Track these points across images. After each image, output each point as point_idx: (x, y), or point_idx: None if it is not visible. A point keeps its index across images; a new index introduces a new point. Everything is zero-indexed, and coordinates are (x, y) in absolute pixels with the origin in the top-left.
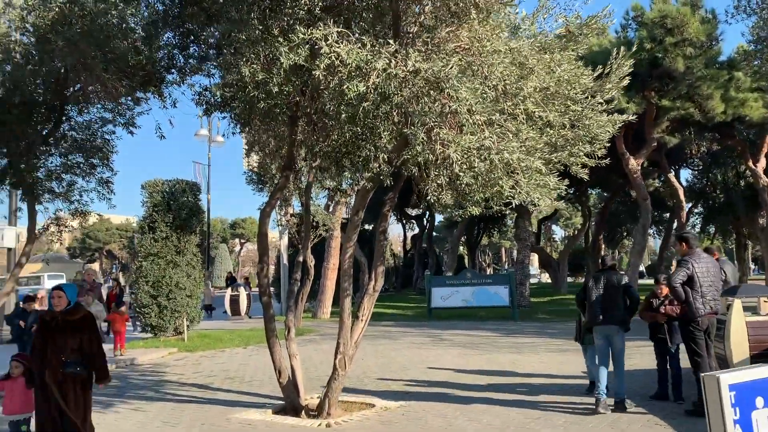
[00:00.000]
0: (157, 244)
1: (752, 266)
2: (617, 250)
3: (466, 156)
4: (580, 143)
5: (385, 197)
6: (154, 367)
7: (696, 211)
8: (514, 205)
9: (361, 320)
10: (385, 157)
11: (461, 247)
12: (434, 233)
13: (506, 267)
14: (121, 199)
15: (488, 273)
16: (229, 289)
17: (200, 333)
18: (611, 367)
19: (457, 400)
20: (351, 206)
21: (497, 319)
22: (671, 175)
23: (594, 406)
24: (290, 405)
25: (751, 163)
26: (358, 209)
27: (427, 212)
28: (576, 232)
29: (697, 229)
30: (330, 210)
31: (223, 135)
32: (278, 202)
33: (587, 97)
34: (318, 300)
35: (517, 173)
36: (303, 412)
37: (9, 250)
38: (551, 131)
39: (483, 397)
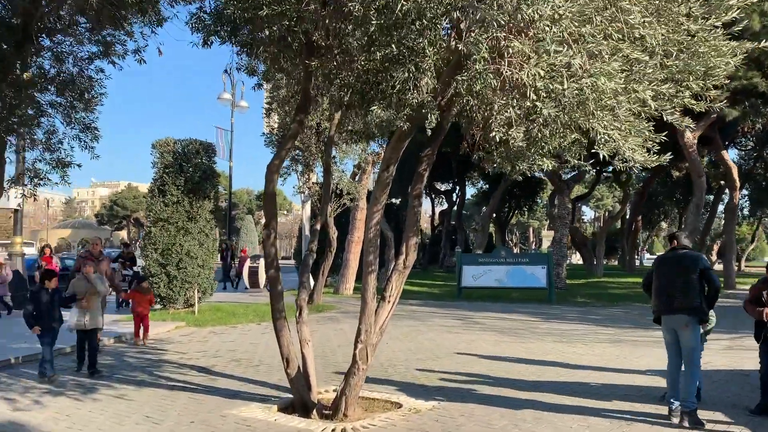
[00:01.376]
0: (167, 209)
1: None
2: (654, 233)
3: (547, 78)
4: (691, 77)
5: (421, 153)
6: (156, 344)
7: (743, 193)
8: (602, 156)
9: (388, 302)
10: (429, 84)
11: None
12: (463, 211)
13: (534, 247)
14: (147, 167)
15: (515, 252)
16: (248, 260)
17: (213, 306)
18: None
19: (500, 402)
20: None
21: (532, 302)
22: (724, 153)
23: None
24: (299, 401)
25: None
26: (389, 163)
27: (458, 187)
28: (606, 213)
29: (746, 212)
30: (356, 178)
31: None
32: (288, 154)
33: (701, 17)
34: (341, 275)
35: (614, 108)
36: (314, 410)
37: (15, 211)
38: (650, 60)
39: (532, 400)
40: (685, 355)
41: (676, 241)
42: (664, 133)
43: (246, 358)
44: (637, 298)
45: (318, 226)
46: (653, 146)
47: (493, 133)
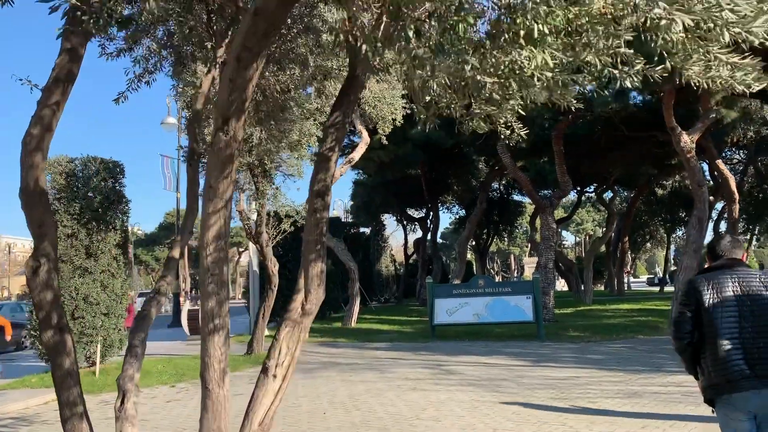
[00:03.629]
0: (59, 245)
1: None
2: (637, 255)
3: None
4: None
5: (332, 116)
6: (9, 426)
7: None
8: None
9: (274, 376)
10: None
11: (469, 254)
12: (440, 239)
13: (516, 275)
14: None
15: (496, 281)
16: (188, 302)
17: None
18: None
19: None
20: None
21: (519, 339)
22: (719, 162)
23: None
24: None
25: None
26: (226, 116)
27: (431, 212)
28: (588, 237)
29: (741, 228)
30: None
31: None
32: (58, 117)
33: None
34: None
35: None
36: None
37: None
38: None
39: None
40: None
41: (724, 253)
42: None
43: None
44: (638, 328)
45: (176, 253)
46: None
47: None
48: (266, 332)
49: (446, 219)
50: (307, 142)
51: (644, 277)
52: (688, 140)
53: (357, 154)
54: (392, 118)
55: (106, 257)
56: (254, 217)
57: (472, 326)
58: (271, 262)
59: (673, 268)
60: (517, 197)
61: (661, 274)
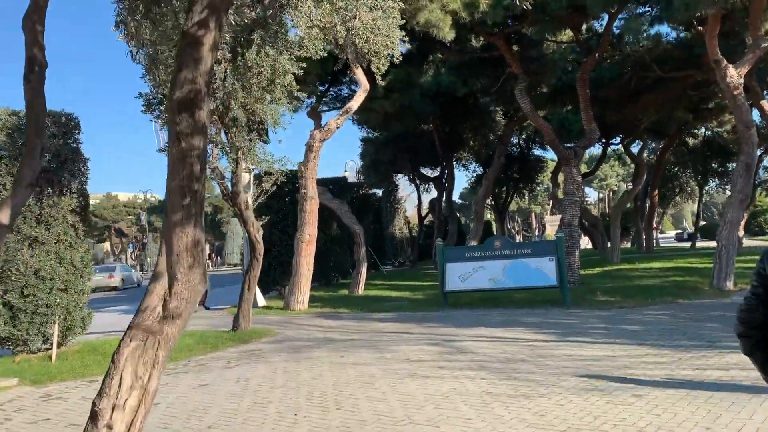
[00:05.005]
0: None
1: None
2: (665, 210)
3: None
4: None
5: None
6: None
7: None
8: None
9: (109, 427)
10: None
11: (488, 213)
12: (458, 200)
13: (537, 233)
14: (128, 175)
15: (516, 242)
16: None
17: (96, 343)
18: None
19: None
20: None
21: (540, 305)
22: (765, 103)
23: None
24: None
25: None
26: None
27: (446, 171)
28: (612, 193)
29: None
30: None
31: None
32: None
33: None
34: (291, 284)
35: None
36: None
37: None
38: None
39: None
40: None
41: None
42: None
43: None
44: (676, 291)
45: (3, 218)
46: None
47: None
48: (263, 302)
49: (463, 178)
50: (281, 80)
51: (671, 233)
52: (735, 74)
53: (355, 103)
54: (388, 54)
55: (61, 225)
56: (229, 175)
57: (488, 292)
58: (253, 227)
59: (702, 222)
60: (537, 152)
61: (690, 229)
